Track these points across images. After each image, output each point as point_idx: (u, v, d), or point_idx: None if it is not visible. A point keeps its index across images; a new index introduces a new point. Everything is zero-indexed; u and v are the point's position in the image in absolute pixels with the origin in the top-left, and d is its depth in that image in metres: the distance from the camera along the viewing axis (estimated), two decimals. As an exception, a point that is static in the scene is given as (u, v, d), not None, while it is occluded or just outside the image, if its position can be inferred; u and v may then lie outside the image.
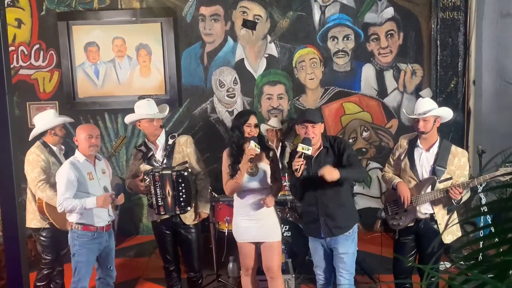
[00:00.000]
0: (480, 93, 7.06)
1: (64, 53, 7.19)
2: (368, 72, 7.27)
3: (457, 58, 6.99)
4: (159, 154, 4.74)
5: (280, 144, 6.57)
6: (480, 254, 4.75)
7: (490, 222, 5.76)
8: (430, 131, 4.27)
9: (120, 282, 5.27)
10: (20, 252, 2.52)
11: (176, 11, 7.17)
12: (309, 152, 3.93)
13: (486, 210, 2.27)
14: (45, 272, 4.94)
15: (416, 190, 4.28)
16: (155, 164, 4.70)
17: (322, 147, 4.14)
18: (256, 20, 7.11)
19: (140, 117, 4.74)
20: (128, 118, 4.85)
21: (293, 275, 5.11)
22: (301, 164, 3.91)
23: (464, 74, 6.98)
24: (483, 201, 5.77)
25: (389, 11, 7.14)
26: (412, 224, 4.31)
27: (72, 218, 4.43)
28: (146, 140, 4.85)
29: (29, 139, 4.94)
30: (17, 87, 7.11)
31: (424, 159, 4.29)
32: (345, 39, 7.22)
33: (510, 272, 1.59)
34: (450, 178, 4.19)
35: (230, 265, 5.44)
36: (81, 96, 7.30)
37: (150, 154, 4.75)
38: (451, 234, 4.27)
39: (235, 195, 4.46)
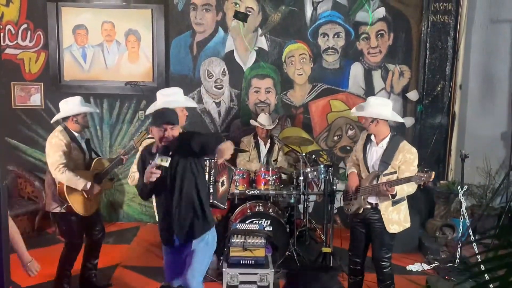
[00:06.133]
0: (466, 97, 7.13)
1: (52, 34, 7.09)
2: (356, 71, 7.29)
3: (445, 61, 7.04)
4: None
5: (269, 140, 6.58)
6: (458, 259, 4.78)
7: (467, 225, 5.84)
8: (369, 127, 4.53)
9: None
10: (1, 235, 2.49)
11: (168, -1, 7.12)
12: (167, 164, 3.67)
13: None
14: (72, 254, 4.99)
15: (364, 181, 4.57)
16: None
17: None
18: (248, 12, 7.08)
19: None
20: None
21: (272, 270, 5.13)
22: (157, 176, 3.69)
23: (451, 78, 7.03)
24: (463, 205, 5.83)
25: (381, 11, 7.15)
26: (361, 211, 4.60)
27: None
28: None
29: (51, 122, 5.09)
30: (2, 66, 7.01)
31: (374, 153, 4.57)
32: (336, 36, 7.22)
33: None
34: (395, 173, 4.41)
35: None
36: (67, 78, 7.21)
37: None
38: (396, 224, 4.51)
39: None
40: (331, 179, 5.69)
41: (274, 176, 5.95)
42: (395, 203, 4.47)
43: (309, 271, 1.73)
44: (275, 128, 6.88)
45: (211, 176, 4.52)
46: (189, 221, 3.95)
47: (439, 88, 7.07)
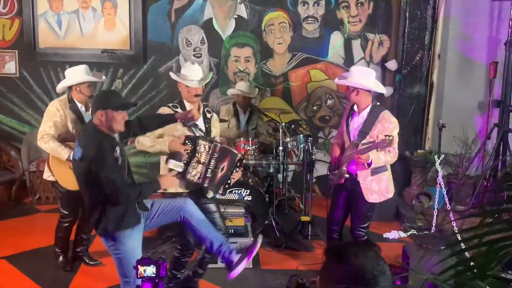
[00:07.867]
0: (444, 67, 7.15)
1: (26, 0, 6.91)
2: (336, 40, 7.25)
3: (425, 31, 7.03)
4: (200, 123, 4.42)
5: (249, 109, 6.51)
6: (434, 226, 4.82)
7: (444, 194, 5.92)
8: (350, 97, 4.52)
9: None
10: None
11: (145, -36, 6.95)
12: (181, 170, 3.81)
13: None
14: (63, 225, 4.90)
15: (346, 151, 4.57)
16: (198, 132, 4.31)
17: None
18: (227, -21, 6.96)
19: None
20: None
21: (252, 239, 5.16)
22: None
23: (430, 47, 7.04)
24: (440, 173, 5.89)
25: (361, -21, 7.10)
26: (342, 181, 4.61)
27: None
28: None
29: (57, 91, 4.94)
30: (-25, 33, 6.84)
31: (356, 122, 4.57)
32: (316, 4, 7.16)
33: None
34: (373, 142, 4.39)
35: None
36: (42, 46, 7.06)
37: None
38: (376, 194, 4.52)
39: None
40: (310, 148, 5.69)
41: (253, 146, 5.94)
42: (374, 172, 4.46)
43: (353, 247, 1.72)
44: (254, 97, 6.84)
45: (212, 161, 4.31)
46: None
47: (418, 58, 7.08)
